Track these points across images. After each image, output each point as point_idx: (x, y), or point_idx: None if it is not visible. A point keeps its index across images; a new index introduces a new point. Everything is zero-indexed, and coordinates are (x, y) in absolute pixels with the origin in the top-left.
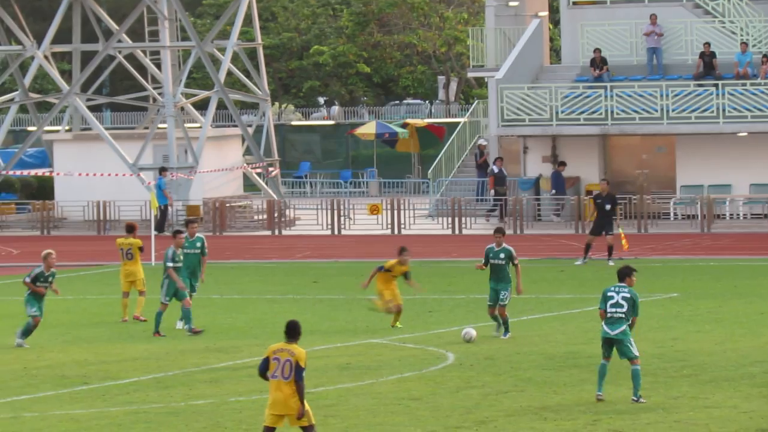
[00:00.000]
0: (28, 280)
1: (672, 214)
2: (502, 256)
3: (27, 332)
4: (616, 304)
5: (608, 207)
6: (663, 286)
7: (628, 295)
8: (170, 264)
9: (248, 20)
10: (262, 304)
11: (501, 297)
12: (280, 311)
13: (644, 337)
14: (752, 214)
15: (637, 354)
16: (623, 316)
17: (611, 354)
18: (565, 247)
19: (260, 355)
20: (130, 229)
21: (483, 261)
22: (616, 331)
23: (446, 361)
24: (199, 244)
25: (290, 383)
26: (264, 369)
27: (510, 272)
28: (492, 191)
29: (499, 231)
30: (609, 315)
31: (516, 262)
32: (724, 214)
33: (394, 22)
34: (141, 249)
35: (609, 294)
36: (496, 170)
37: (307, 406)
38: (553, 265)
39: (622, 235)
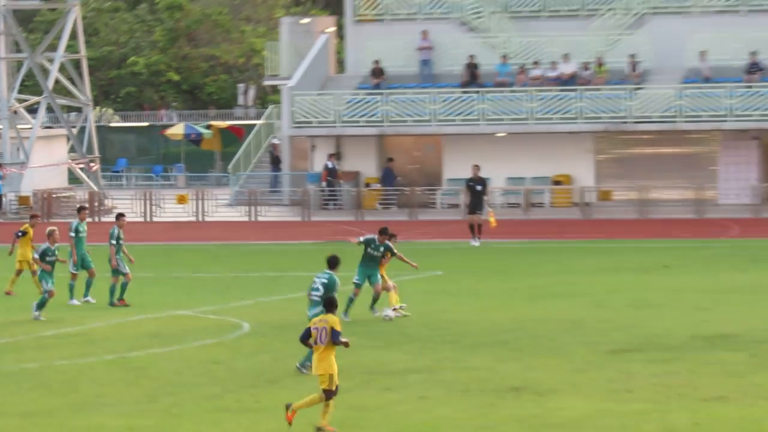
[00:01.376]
0: (36, 257)
1: (439, 204)
2: (381, 249)
3: (41, 305)
4: (315, 289)
5: (479, 188)
6: (430, 265)
7: (326, 280)
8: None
9: (74, 35)
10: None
11: (373, 279)
12: (99, 287)
13: (412, 309)
14: (508, 203)
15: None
16: (318, 299)
17: None
18: (347, 231)
19: (81, 325)
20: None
21: (362, 241)
22: (313, 312)
23: (242, 329)
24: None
25: (325, 348)
26: (305, 338)
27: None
28: (324, 183)
29: (384, 231)
30: (309, 298)
31: (395, 251)
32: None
33: (200, 37)
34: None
35: (314, 280)
36: (330, 165)
37: (334, 370)
38: (333, 247)
39: (491, 214)
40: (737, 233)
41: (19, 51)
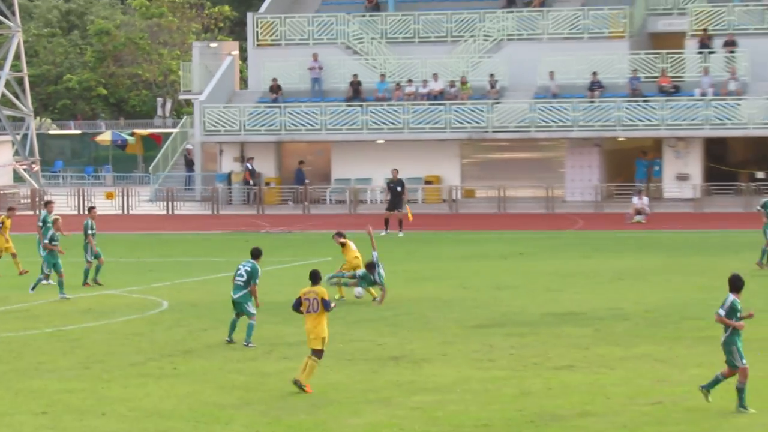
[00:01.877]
0: (46, 242)
1: (328, 200)
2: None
3: (61, 285)
4: (240, 275)
5: (399, 189)
6: (320, 252)
7: (249, 268)
8: (90, 232)
9: (17, 56)
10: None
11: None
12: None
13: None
14: (386, 200)
15: (253, 312)
16: (242, 284)
17: (237, 311)
18: (251, 224)
19: (25, 302)
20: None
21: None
22: (237, 295)
23: (161, 307)
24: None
25: (317, 315)
26: (297, 306)
27: None
28: (244, 182)
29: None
30: (234, 282)
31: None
32: (366, 200)
33: (125, 58)
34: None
35: (238, 267)
36: (249, 167)
37: (326, 334)
38: (239, 237)
39: (408, 210)
40: (582, 226)
41: None
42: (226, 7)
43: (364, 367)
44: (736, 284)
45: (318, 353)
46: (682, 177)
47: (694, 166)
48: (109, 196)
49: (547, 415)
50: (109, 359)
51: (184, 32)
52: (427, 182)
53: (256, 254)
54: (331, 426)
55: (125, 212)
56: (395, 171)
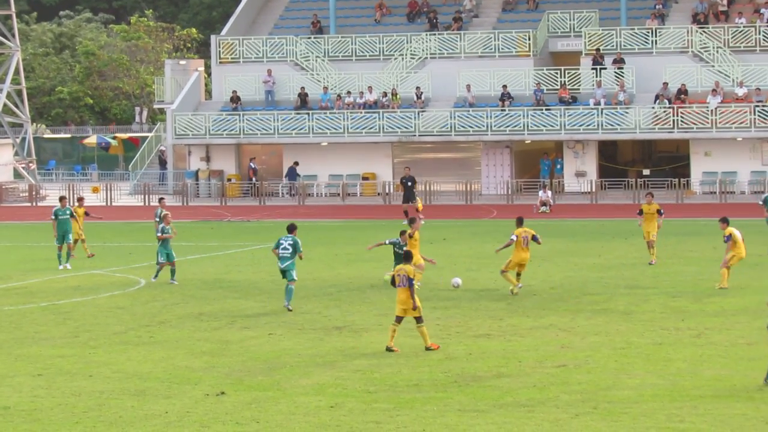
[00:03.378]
0: (159, 234)
1: (281, 193)
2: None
3: (173, 273)
4: (284, 248)
5: (410, 184)
6: (274, 238)
7: (291, 242)
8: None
9: (17, 71)
10: (25, 250)
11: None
12: (42, 254)
13: (262, 269)
14: (330, 193)
15: (295, 278)
16: (288, 254)
17: (286, 278)
18: (215, 214)
19: (23, 281)
20: None
21: (389, 243)
22: (284, 264)
23: (140, 284)
24: (68, 213)
25: (405, 289)
26: (393, 281)
27: None
28: (248, 178)
29: (291, 227)
30: (279, 255)
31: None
32: (313, 193)
33: (108, 73)
34: None
35: (280, 241)
36: (252, 166)
37: (418, 303)
38: (205, 225)
39: (419, 201)
40: (496, 215)
41: None
42: (194, 30)
43: (312, 335)
44: None
45: (419, 320)
46: (580, 174)
47: (590, 164)
48: (95, 190)
49: (468, 376)
50: (96, 329)
51: (158, 51)
52: (364, 178)
53: (291, 228)
54: (285, 386)
55: (108, 204)
56: (407, 169)
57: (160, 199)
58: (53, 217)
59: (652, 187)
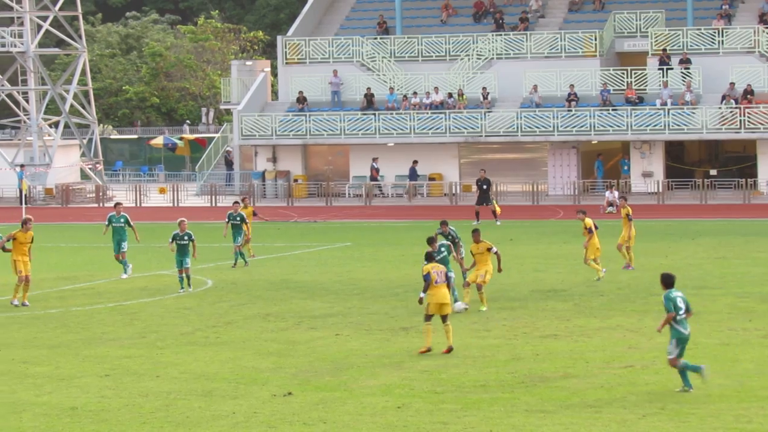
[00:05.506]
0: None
1: (347, 194)
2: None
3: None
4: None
5: (485, 187)
6: (341, 238)
7: (446, 245)
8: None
9: (83, 72)
10: (92, 251)
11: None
12: (109, 255)
13: (329, 270)
14: (396, 194)
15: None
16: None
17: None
18: (282, 215)
19: (91, 281)
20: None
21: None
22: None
23: (207, 285)
24: (123, 220)
25: (443, 284)
26: (429, 278)
27: None
28: (371, 178)
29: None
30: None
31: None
32: (379, 194)
33: (175, 74)
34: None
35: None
36: (375, 166)
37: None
38: (272, 225)
39: (496, 204)
40: (562, 216)
41: (44, 84)
42: (260, 32)
43: (379, 336)
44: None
45: (445, 318)
46: (646, 174)
47: (656, 164)
48: (162, 191)
49: (535, 377)
50: (163, 329)
51: (225, 53)
52: (431, 179)
53: (430, 241)
54: (352, 386)
55: (175, 205)
56: (482, 171)
57: (239, 200)
58: (107, 223)
59: (719, 188)
